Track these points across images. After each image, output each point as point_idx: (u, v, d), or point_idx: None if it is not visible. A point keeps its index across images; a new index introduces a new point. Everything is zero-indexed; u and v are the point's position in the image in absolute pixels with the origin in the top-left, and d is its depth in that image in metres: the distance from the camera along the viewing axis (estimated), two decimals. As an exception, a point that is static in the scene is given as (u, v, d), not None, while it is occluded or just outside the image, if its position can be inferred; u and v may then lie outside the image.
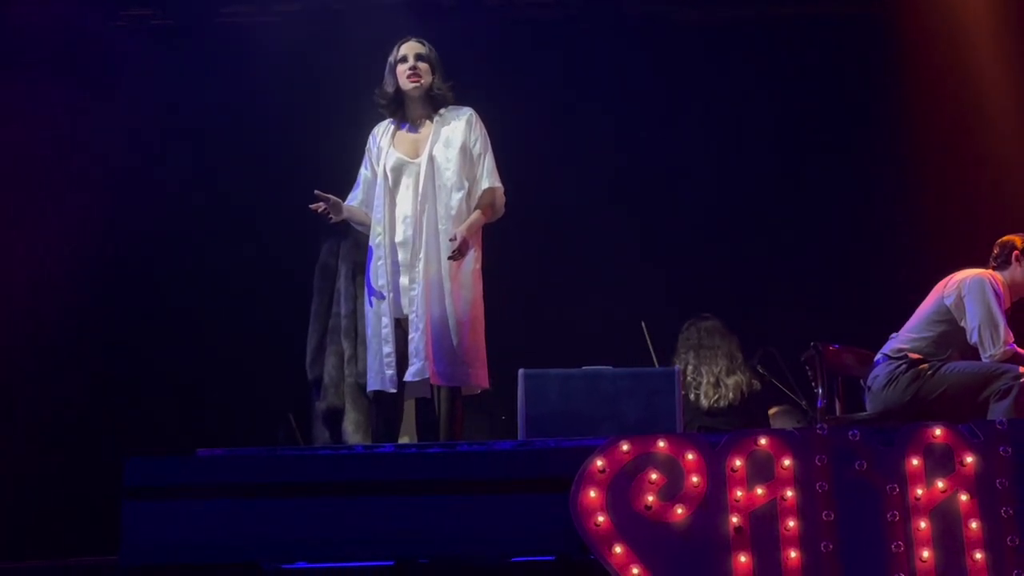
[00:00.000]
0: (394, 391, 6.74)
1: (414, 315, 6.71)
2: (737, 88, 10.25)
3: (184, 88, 9.91)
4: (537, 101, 10.04)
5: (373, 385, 6.80)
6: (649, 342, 8.58)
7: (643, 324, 8.59)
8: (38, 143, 9.85)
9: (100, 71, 9.90)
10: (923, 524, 5.57)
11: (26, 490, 9.34)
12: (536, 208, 9.90)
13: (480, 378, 6.83)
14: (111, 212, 9.80)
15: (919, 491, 5.60)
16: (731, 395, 8.63)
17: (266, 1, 10.37)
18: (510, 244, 9.41)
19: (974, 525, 5.57)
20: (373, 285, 6.84)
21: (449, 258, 6.72)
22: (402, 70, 6.92)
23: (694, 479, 5.66)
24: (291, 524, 5.86)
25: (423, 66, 6.92)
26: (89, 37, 10.03)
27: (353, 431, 8.49)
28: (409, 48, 6.95)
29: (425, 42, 6.98)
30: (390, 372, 6.73)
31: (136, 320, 9.90)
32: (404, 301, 6.77)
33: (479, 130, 6.96)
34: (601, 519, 5.61)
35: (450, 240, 6.71)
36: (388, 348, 6.74)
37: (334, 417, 8.55)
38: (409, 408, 7.04)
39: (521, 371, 6.89)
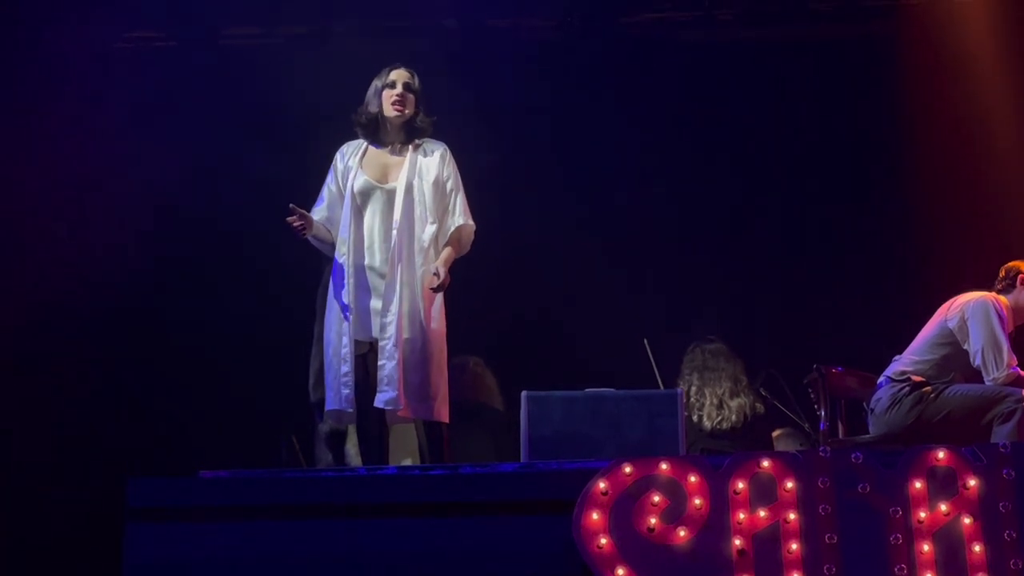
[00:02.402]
0: (351, 410, 6.75)
1: (388, 343, 6.70)
2: (738, 109, 10.26)
3: (187, 109, 9.92)
4: (540, 122, 10.05)
5: (331, 404, 6.81)
6: (652, 360, 8.57)
7: (645, 342, 8.59)
8: (38, 164, 9.88)
9: (102, 92, 9.93)
10: (926, 547, 5.57)
11: (29, 511, 9.34)
12: (540, 230, 9.91)
13: (442, 413, 6.84)
14: (112, 234, 9.81)
15: (922, 514, 5.61)
16: (734, 417, 8.61)
17: (270, 23, 10.39)
18: (514, 267, 9.46)
19: (977, 548, 5.57)
20: (336, 303, 6.85)
21: (433, 290, 6.74)
22: (388, 95, 6.96)
23: (697, 501, 5.66)
24: (293, 546, 5.87)
25: (410, 96, 6.96)
26: (92, 58, 10.08)
27: (355, 453, 8.46)
28: (398, 75, 6.99)
29: (414, 73, 7.02)
30: (346, 392, 6.74)
31: (139, 341, 9.91)
32: (374, 325, 6.78)
33: (452, 166, 6.99)
34: (604, 541, 5.61)
35: (434, 275, 6.73)
36: (346, 368, 6.75)
37: (337, 439, 8.52)
38: (411, 431, 7.04)
39: (524, 393, 6.89)
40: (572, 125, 10.13)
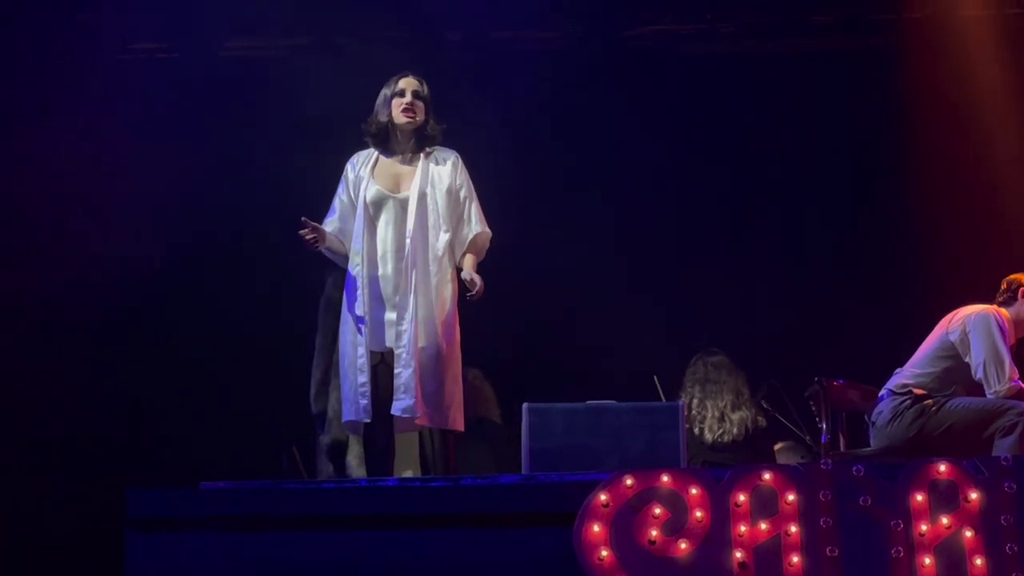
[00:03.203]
0: (368, 420, 6.73)
1: (404, 352, 6.70)
2: (740, 122, 10.26)
3: (188, 119, 9.93)
4: (541, 133, 10.06)
5: (348, 415, 6.79)
6: (661, 395, 8.59)
7: (655, 378, 8.61)
8: (41, 172, 9.90)
9: (105, 102, 9.95)
10: (927, 560, 5.56)
11: (29, 518, 9.34)
12: (541, 242, 9.91)
13: (458, 422, 6.84)
14: (113, 243, 9.82)
15: (923, 527, 5.60)
16: (735, 430, 8.60)
17: (271, 35, 10.40)
18: (515, 278, 9.45)
19: (979, 561, 5.56)
20: (350, 315, 6.84)
21: (469, 297, 6.75)
22: (398, 103, 6.94)
23: (698, 514, 5.65)
24: (294, 557, 5.86)
25: (419, 104, 6.95)
26: (95, 69, 10.11)
27: (357, 465, 8.46)
28: (407, 83, 6.98)
29: (423, 80, 7.01)
30: (364, 402, 6.73)
31: (140, 351, 9.90)
32: (389, 335, 6.77)
33: (464, 174, 7.00)
34: (605, 553, 5.61)
35: (468, 281, 6.76)
36: (363, 378, 6.74)
37: (338, 450, 8.51)
38: (412, 441, 7.04)
39: (525, 405, 6.89)
40: (574, 137, 10.14)
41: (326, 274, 8.84)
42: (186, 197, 9.91)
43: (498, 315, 9.45)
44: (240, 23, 10.23)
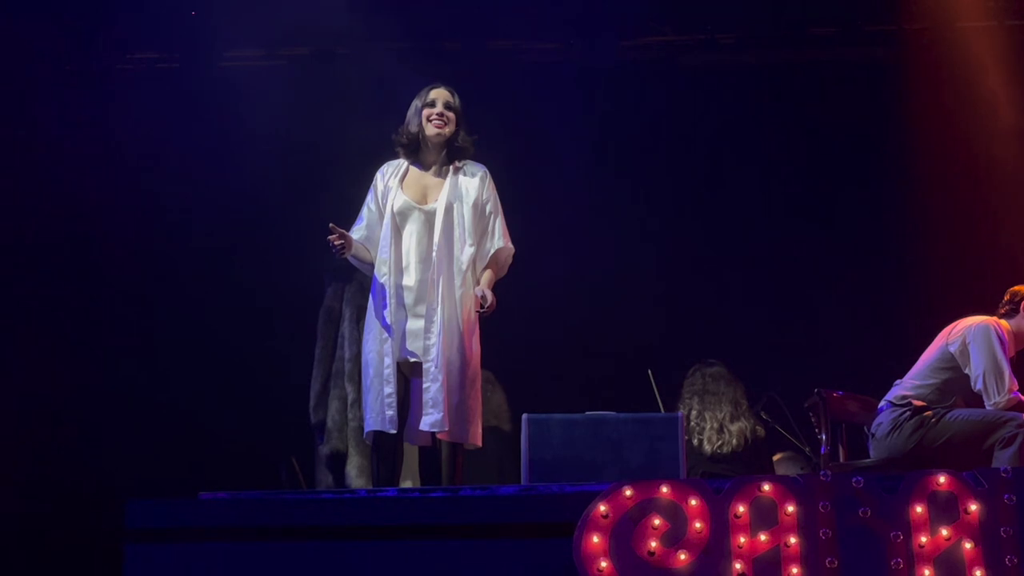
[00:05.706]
0: (394, 432, 6.72)
1: (432, 365, 6.69)
2: (741, 132, 10.26)
3: (188, 131, 9.94)
4: (540, 143, 10.06)
5: (373, 425, 6.75)
6: (655, 390, 8.58)
7: (649, 372, 8.60)
8: (39, 182, 9.90)
9: (103, 112, 9.96)
10: (927, 572, 5.56)
11: (26, 533, 9.33)
12: (540, 253, 9.89)
13: (476, 436, 6.84)
14: (112, 251, 9.83)
15: (923, 539, 5.59)
16: (735, 441, 8.60)
17: (271, 45, 10.41)
18: (514, 290, 9.45)
19: (978, 573, 5.55)
20: (377, 323, 6.82)
21: (480, 312, 6.76)
22: (428, 114, 6.95)
23: (697, 525, 5.65)
24: (293, 568, 5.85)
25: (450, 115, 6.95)
26: (95, 79, 10.13)
27: (356, 475, 8.48)
28: (438, 94, 6.99)
29: (454, 92, 7.02)
30: (390, 413, 6.71)
31: (138, 362, 9.90)
32: (416, 346, 6.76)
33: (492, 189, 7.01)
34: (604, 565, 5.60)
35: (480, 297, 6.76)
36: (390, 389, 6.73)
37: (337, 461, 8.52)
38: (412, 452, 7.03)
39: (525, 416, 6.89)
40: (572, 148, 10.13)
41: (325, 284, 8.85)
42: (184, 206, 9.92)
43: (499, 324, 9.48)
44: (240, 33, 10.23)
